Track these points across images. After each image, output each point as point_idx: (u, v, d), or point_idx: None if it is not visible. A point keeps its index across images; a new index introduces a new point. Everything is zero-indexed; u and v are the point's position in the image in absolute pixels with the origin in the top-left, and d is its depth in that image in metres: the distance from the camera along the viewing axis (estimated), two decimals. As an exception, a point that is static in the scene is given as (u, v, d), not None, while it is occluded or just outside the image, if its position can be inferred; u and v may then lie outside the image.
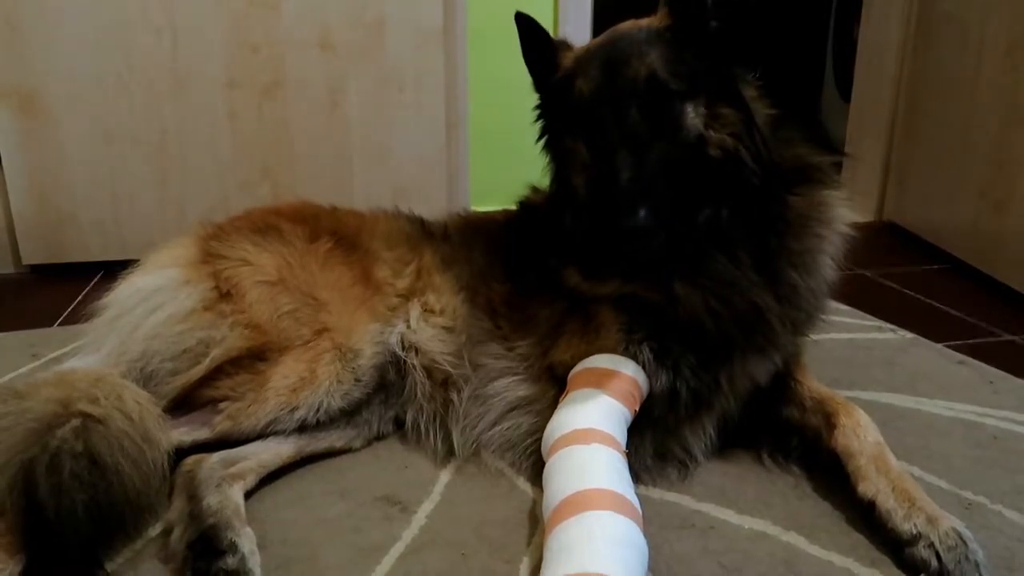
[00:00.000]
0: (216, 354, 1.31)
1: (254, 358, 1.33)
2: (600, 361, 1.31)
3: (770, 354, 1.32)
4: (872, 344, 1.88)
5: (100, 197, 2.40)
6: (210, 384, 1.30)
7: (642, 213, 1.13)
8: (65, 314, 2.12)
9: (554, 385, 1.36)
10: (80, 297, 2.24)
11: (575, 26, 2.66)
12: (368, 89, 2.48)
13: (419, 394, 1.43)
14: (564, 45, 1.40)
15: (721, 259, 1.25)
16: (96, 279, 2.38)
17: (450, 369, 1.41)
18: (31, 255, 2.40)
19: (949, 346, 1.89)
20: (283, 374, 1.32)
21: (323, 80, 2.44)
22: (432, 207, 2.61)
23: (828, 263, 1.34)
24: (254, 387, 1.30)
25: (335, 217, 1.64)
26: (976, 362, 1.76)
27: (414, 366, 1.43)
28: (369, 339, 1.42)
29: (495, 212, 1.72)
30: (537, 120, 1.44)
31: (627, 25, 1.33)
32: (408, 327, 1.47)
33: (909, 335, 1.93)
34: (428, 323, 1.48)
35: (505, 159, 2.53)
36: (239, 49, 2.37)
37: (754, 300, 1.25)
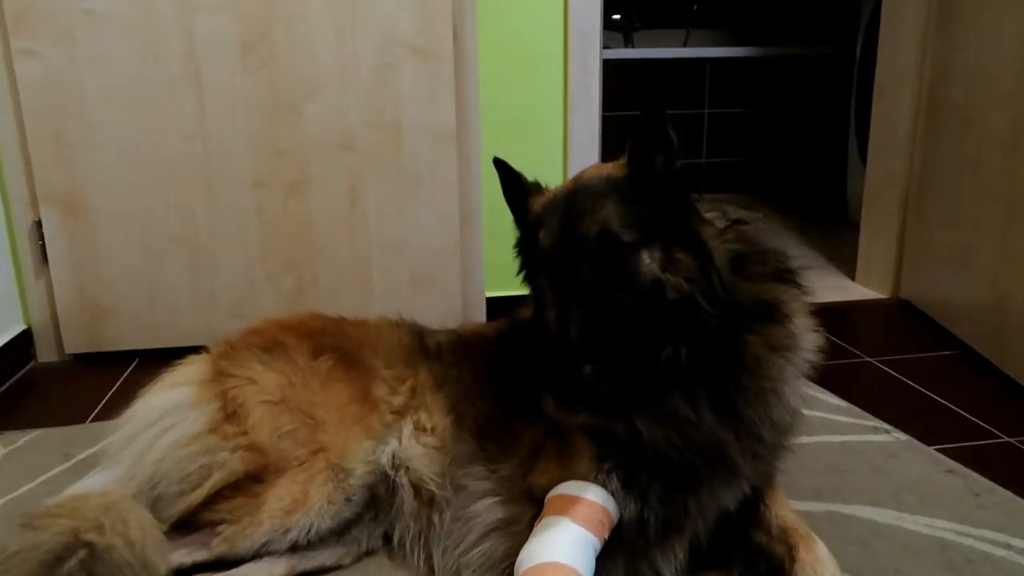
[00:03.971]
0: (217, 478, 1.42)
1: (252, 480, 1.44)
2: (572, 488, 1.38)
3: (736, 483, 1.38)
4: (865, 448, 1.90)
5: (137, 291, 2.57)
6: (210, 507, 1.41)
7: (587, 369, 1.21)
8: (102, 404, 2.28)
9: (533, 507, 1.43)
10: (116, 386, 2.41)
11: (585, 113, 2.77)
12: (386, 186, 2.62)
13: (406, 512, 1.51)
14: (536, 189, 1.50)
15: (679, 398, 1.31)
16: (132, 367, 2.55)
17: (435, 489, 1.50)
18: (73, 345, 2.58)
19: (943, 449, 1.90)
20: (278, 496, 1.43)
21: (344, 178, 2.59)
22: (448, 294, 2.76)
23: (792, 393, 1.39)
24: (250, 510, 1.41)
25: (340, 330, 1.74)
26: (965, 470, 1.77)
27: (403, 484, 1.52)
28: (362, 458, 1.51)
29: (488, 327, 1.81)
30: (517, 256, 1.53)
31: (591, 172, 1.42)
32: (400, 444, 1.56)
33: (903, 437, 1.95)
34: (419, 442, 1.57)
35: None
36: (266, 152, 2.53)
37: (713, 437, 1.32)
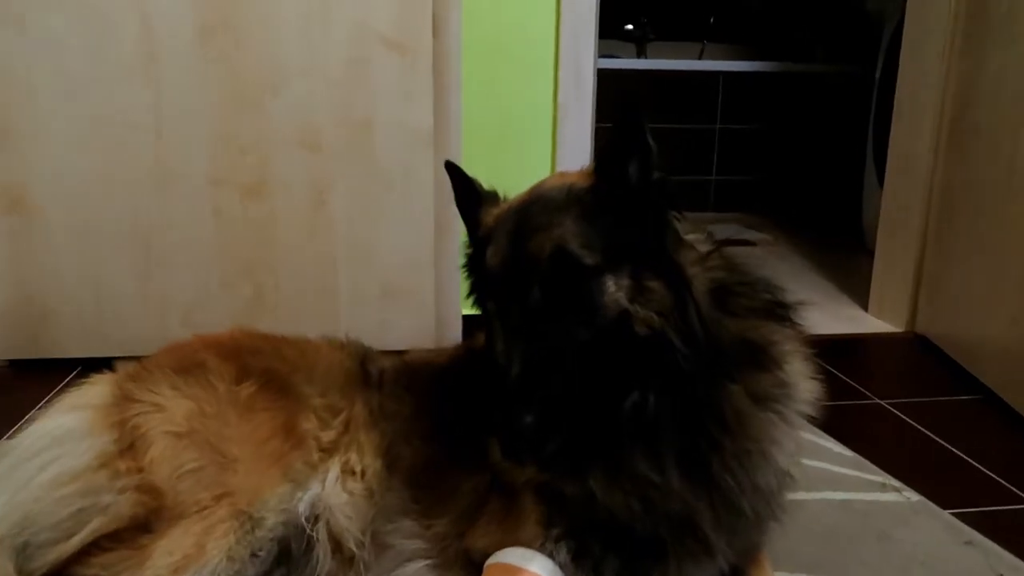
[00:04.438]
0: (95, 525, 1.20)
1: (138, 529, 1.22)
2: (515, 557, 1.15)
3: (710, 562, 1.15)
4: (871, 509, 1.66)
5: (82, 293, 2.38)
6: (83, 561, 1.19)
7: (528, 420, 0.99)
8: (27, 417, 2.07)
9: (470, 573, 1.21)
10: (49, 397, 2.20)
11: (576, 122, 2.55)
12: (355, 189, 2.42)
13: (322, 572, 1.29)
14: (491, 199, 1.29)
15: (642, 456, 1.09)
16: (72, 376, 2.34)
17: (354, 548, 1.27)
18: (9, 350, 2.39)
19: (961, 514, 1.66)
20: (167, 550, 1.21)
21: (309, 179, 2.39)
22: (420, 309, 2.54)
23: (781, 454, 1.16)
24: (131, 566, 1.19)
25: (274, 350, 1.53)
26: (987, 543, 1.53)
27: (320, 539, 1.30)
28: (275, 505, 1.29)
29: (440, 353, 1.59)
30: (467, 275, 1.32)
31: (552, 182, 1.20)
32: (323, 489, 1.34)
33: (915, 497, 1.71)
34: (345, 487, 1.35)
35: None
36: (225, 148, 2.34)
37: (682, 506, 1.09)
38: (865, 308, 3.13)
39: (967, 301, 2.50)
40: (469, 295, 1.33)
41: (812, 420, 1.21)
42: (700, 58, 5.39)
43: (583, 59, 2.52)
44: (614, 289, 1.09)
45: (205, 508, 1.25)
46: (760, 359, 1.15)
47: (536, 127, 2.55)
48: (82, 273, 2.36)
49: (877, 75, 4.12)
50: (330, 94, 2.34)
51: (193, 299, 2.41)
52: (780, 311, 1.20)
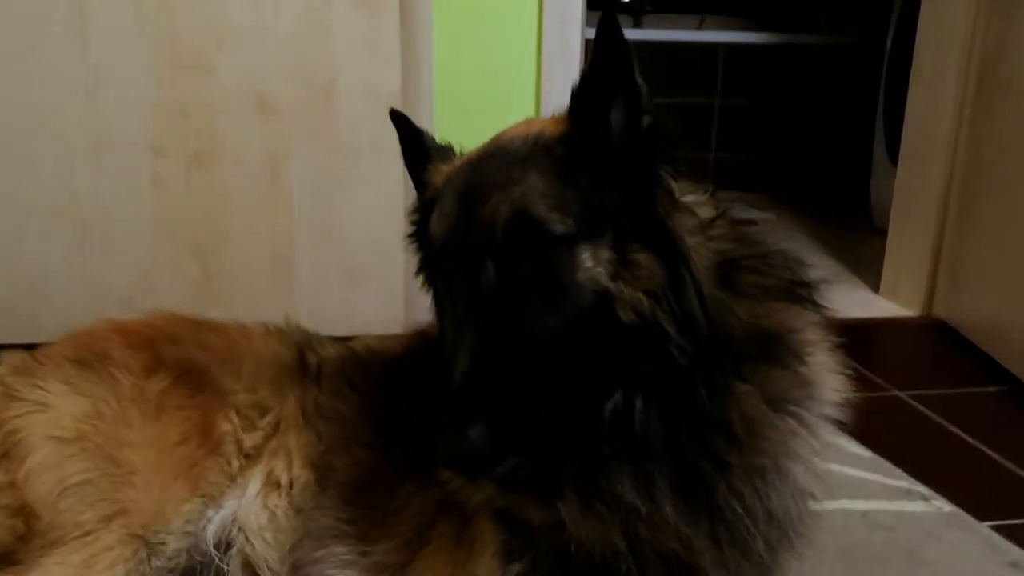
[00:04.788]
0: (-55, 558, 0.97)
1: (2, 560, 0.99)
2: (466, 598, 0.92)
3: (711, 604, 0.91)
4: (895, 522, 1.43)
5: (9, 274, 2.14)
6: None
7: (474, 432, 0.75)
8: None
9: None
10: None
11: (559, 84, 2.30)
12: (314, 159, 2.17)
13: (236, 611, 1.06)
14: (442, 153, 1.05)
15: (627, 477, 0.85)
16: (-3, 367, 2.10)
17: (272, 584, 1.04)
18: (-74, 338, 2.13)
19: (1001, 527, 1.43)
20: (34, 589, 0.98)
21: (262, 147, 2.15)
22: (387, 294, 2.29)
23: (803, 472, 0.93)
24: (-15, 612, 0.96)
25: (196, 339, 1.30)
26: (1035, 565, 1.30)
27: (229, 570, 1.07)
28: (179, 527, 1.07)
29: (396, 341, 1.35)
30: (414, 248, 1.09)
31: (515, 130, 0.96)
32: (241, 506, 1.11)
33: (947, 507, 1.48)
34: (266, 504, 1.12)
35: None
36: (166, 112, 2.09)
37: (676, 541, 0.85)
38: (876, 290, 2.90)
39: (993, 282, 2.26)
40: (418, 272, 1.10)
41: (838, 426, 0.98)
42: (699, 29, 5.12)
43: (570, 7, 2.26)
44: (591, 264, 0.86)
45: (89, 533, 1.04)
46: (777, 352, 0.91)
47: (517, 92, 2.30)
48: (9, 253, 2.12)
49: (888, 46, 3.86)
50: (283, 53, 2.09)
51: (133, 281, 2.17)
52: (801, 291, 0.96)
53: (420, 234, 1.05)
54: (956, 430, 1.82)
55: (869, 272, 3.06)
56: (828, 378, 0.97)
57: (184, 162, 2.12)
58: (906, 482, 1.56)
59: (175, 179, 2.13)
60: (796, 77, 4.94)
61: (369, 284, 2.27)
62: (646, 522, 0.84)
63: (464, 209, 0.89)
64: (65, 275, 2.14)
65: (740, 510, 0.86)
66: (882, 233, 3.01)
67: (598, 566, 0.87)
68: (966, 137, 2.48)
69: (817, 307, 0.96)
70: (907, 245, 2.74)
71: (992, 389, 2.06)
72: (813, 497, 0.95)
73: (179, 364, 1.22)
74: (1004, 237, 2.24)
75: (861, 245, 3.54)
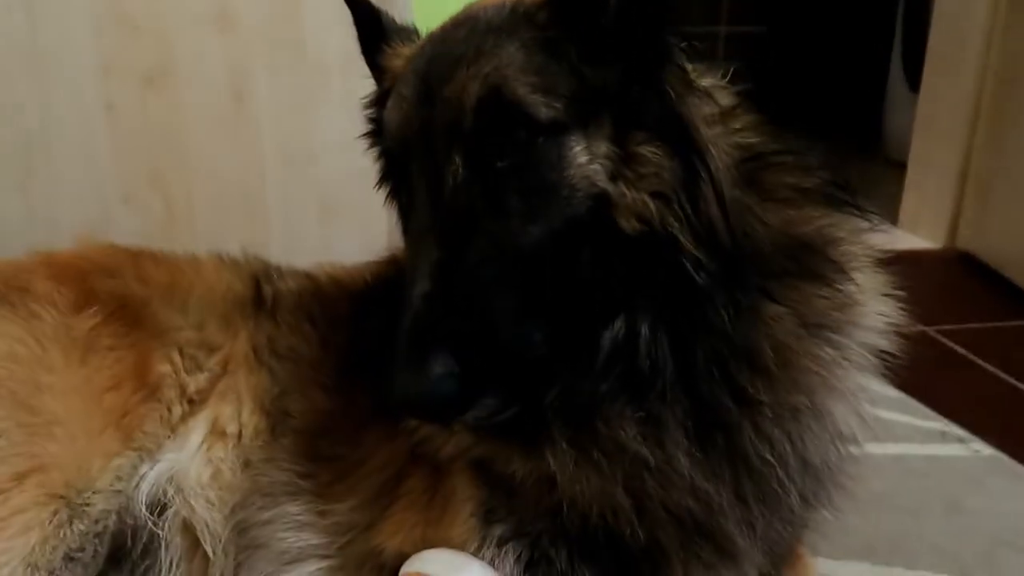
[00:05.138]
0: None
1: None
2: (437, 565, 0.77)
3: (731, 570, 0.76)
4: (931, 468, 1.28)
5: (-52, 211, 1.94)
6: None
7: (436, 369, 0.59)
8: None
9: None
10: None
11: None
12: (283, 79, 1.97)
13: (173, 578, 0.91)
14: (402, 35, 0.87)
15: (630, 419, 0.69)
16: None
17: (212, 552, 0.89)
18: None
19: (1048, 472, 1.28)
20: (-71, 557, 0.83)
21: (223, 66, 1.94)
22: (368, 229, 2.10)
23: (844, 412, 0.77)
24: None
25: (136, 271, 1.14)
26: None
27: (168, 535, 0.91)
28: (106, 485, 0.93)
29: (364, 269, 1.18)
30: (374, 153, 0.92)
31: (491, -1, 0.77)
32: (179, 459, 0.96)
33: (986, 450, 1.33)
34: (210, 457, 0.97)
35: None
36: (114, 26, 1.87)
37: (692, 496, 0.69)
38: (894, 222, 2.71)
39: (1028, 208, 2.08)
40: (380, 182, 0.93)
41: (884, 359, 0.81)
42: (703, -50, 4.83)
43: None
44: (585, 159, 0.69)
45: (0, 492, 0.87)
46: (815, 266, 0.74)
47: None
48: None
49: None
50: (242, -46, 1.86)
51: (89, 217, 1.98)
52: (843, 195, 0.79)
53: (379, 133, 0.87)
54: (989, 367, 1.66)
55: (884, 204, 2.87)
56: (874, 301, 0.80)
57: (138, 83, 1.91)
58: (939, 423, 1.41)
59: (129, 103, 1.92)
60: (806, 2, 4.67)
61: (347, 218, 2.08)
62: (655, 475, 0.68)
63: (425, 91, 0.71)
64: (12, 213, 1.95)
65: (771, 458, 0.69)
66: (897, 165, 2.86)
67: (595, 528, 0.72)
68: (999, 51, 2.27)
69: (863, 214, 0.79)
70: (930, 171, 2.56)
71: (1025, 323, 1.90)
72: (855, 443, 0.79)
73: (114, 299, 1.06)
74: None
75: (875, 176, 3.36)
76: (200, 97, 1.95)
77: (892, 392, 1.51)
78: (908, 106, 3.03)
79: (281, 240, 2.05)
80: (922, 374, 1.60)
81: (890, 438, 1.36)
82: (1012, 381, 1.61)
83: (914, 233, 2.60)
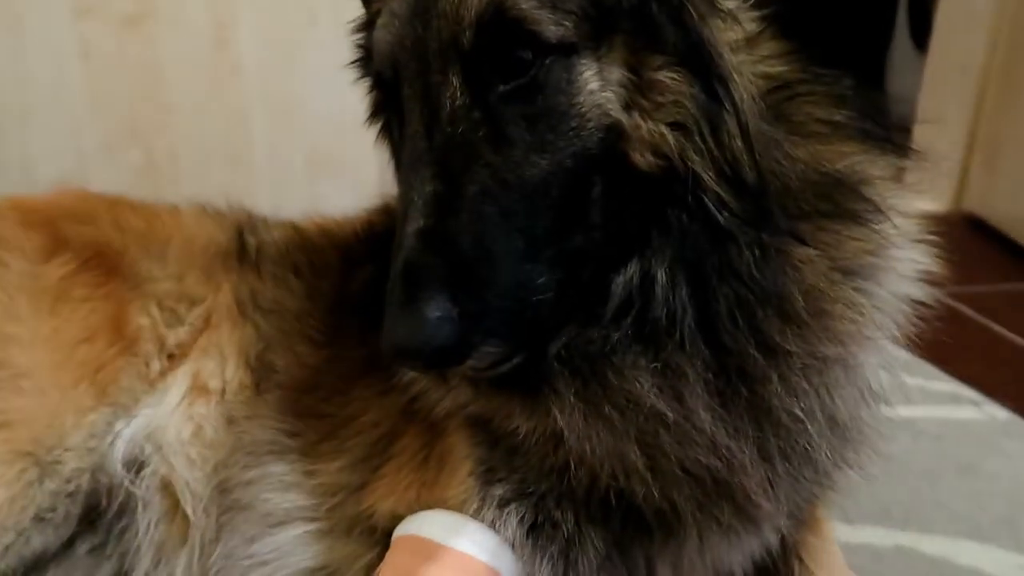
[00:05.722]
0: None
1: None
2: (434, 527, 0.72)
3: (752, 535, 0.71)
4: (944, 429, 1.23)
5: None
6: None
7: (432, 313, 0.54)
8: None
9: (370, 547, 0.79)
10: None
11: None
12: (267, 23, 1.88)
13: (148, 544, 0.85)
14: None
15: (644, 371, 0.63)
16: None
17: (192, 513, 0.83)
18: None
19: (1063, 435, 1.24)
20: None
21: (204, 8, 1.84)
22: (359, 181, 2.02)
23: (875, 366, 0.71)
24: None
25: (113, 218, 1.07)
26: (1111, 477, 1.11)
27: (146, 494, 0.86)
28: (79, 442, 0.87)
29: (354, 220, 1.11)
30: (363, 85, 0.85)
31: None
32: (157, 416, 0.90)
33: (1002, 413, 1.28)
34: (191, 413, 0.90)
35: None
36: (89, -36, 1.77)
37: (713, 453, 0.64)
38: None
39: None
40: (371, 117, 0.86)
41: (919, 310, 0.76)
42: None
43: None
44: (597, 84, 0.63)
45: (-35, 450, 0.82)
46: (849, 205, 0.68)
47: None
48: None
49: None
50: None
51: (66, 168, 1.89)
52: (879, 130, 0.72)
53: (368, 60, 0.79)
54: (1001, 329, 1.62)
55: (890, 166, 2.82)
56: (909, 246, 0.74)
57: (115, 26, 1.82)
58: (951, 386, 1.37)
59: (105, 48, 1.83)
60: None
61: (336, 170, 2.00)
62: (672, 431, 0.62)
63: (419, 5, 0.63)
64: (-15, 162, 1.88)
65: (800, 413, 0.64)
66: (902, 130, 2.74)
67: (605, 489, 0.66)
68: (1010, 8, 2.21)
69: (902, 152, 0.72)
70: (938, 134, 2.48)
71: (1035, 285, 1.85)
72: (885, 401, 0.74)
73: (88, 246, 1.00)
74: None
75: (879, 139, 3.29)
76: (181, 42, 1.86)
77: (901, 353, 1.47)
78: (914, 67, 2.96)
79: (268, 191, 1.97)
80: (931, 336, 1.56)
81: (900, 401, 1.31)
82: (1017, 338, 1.56)
83: (916, 194, 2.55)
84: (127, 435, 0.87)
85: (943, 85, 2.47)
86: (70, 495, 0.84)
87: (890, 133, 0.73)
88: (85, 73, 1.84)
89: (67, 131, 1.88)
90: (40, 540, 0.82)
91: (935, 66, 2.54)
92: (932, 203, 2.43)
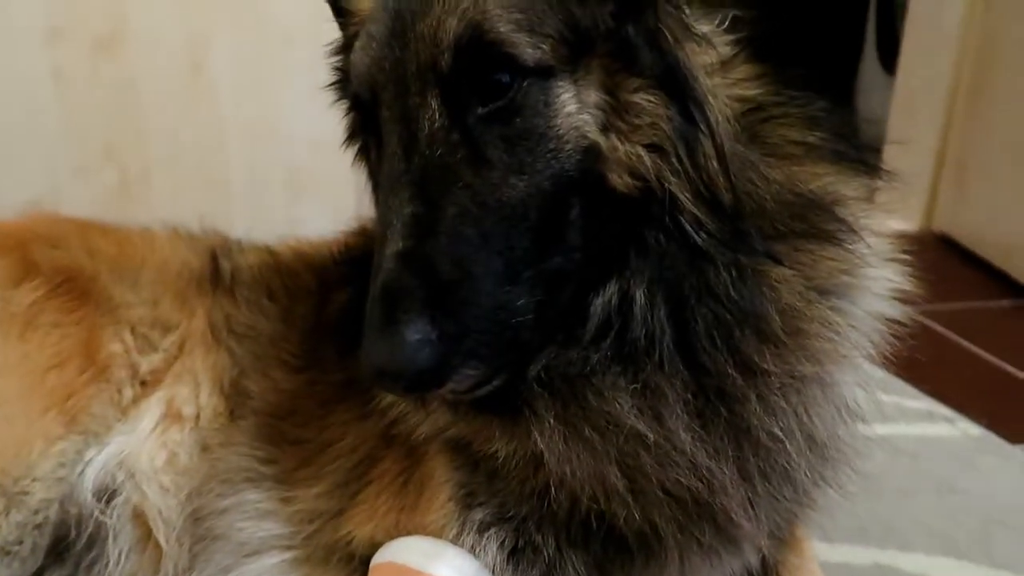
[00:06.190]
0: None
1: None
2: (414, 554, 0.71)
3: (733, 554, 0.71)
4: (919, 447, 1.24)
5: None
6: None
7: (411, 335, 0.53)
8: None
9: (348, 575, 0.77)
10: None
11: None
12: (243, 45, 1.88)
13: (122, 574, 0.83)
14: None
15: (624, 392, 0.63)
16: None
17: (164, 542, 0.81)
18: None
19: (1037, 451, 1.25)
20: None
21: (180, 31, 1.84)
22: (336, 203, 2.01)
23: (850, 383, 0.72)
24: None
25: (84, 243, 1.05)
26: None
27: (116, 525, 0.84)
28: (48, 472, 0.85)
29: (330, 244, 1.10)
30: (342, 106, 0.85)
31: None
32: (130, 444, 0.88)
33: (975, 430, 1.30)
34: (165, 441, 0.89)
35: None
36: (62, -13, 1.75)
37: (693, 474, 0.63)
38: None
39: (1008, 189, 2.07)
40: (348, 139, 0.86)
41: (893, 328, 0.77)
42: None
43: None
44: (574, 107, 0.63)
45: (-74, 481, 0.79)
46: (823, 225, 0.68)
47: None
48: None
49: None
50: (198, -89, 1.76)
51: (39, 191, 1.85)
52: (850, 151, 0.73)
53: (346, 82, 0.79)
54: (974, 347, 1.64)
55: (861, 186, 2.86)
56: (883, 265, 0.75)
57: (88, 49, 1.80)
58: (926, 403, 1.38)
59: (79, 70, 1.81)
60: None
61: (314, 192, 2.00)
62: (652, 452, 0.62)
63: (397, 27, 0.64)
64: (-46, 184, 1.84)
65: (778, 433, 0.64)
66: (873, 151, 2.79)
67: (586, 512, 0.66)
68: (979, 28, 2.25)
69: (874, 172, 0.74)
70: (906, 154, 2.52)
71: (1006, 304, 1.89)
72: (862, 419, 0.74)
73: (59, 271, 0.98)
74: (1017, 143, 2.03)
75: (850, 159, 3.34)
76: (155, 64, 1.85)
77: (876, 371, 1.48)
78: (882, 88, 3.02)
79: (245, 214, 1.96)
80: (904, 354, 1.58)
81: (875, 418, 1.32)
82: (994, 360, 1.59)
83: (887, 214, 2.59)
84: (98, 463, 0.86)
85: (911, 106, 2.52)
86: (38, 526, 0.81)
87: (862, 154, 0.74)
88: (57, 96, 1.83)
89: (39, 154, 1.86)
90: (6, 574, 0.80)
91: (903, 87, 2.59)
92: (903, 222, 2.49)
